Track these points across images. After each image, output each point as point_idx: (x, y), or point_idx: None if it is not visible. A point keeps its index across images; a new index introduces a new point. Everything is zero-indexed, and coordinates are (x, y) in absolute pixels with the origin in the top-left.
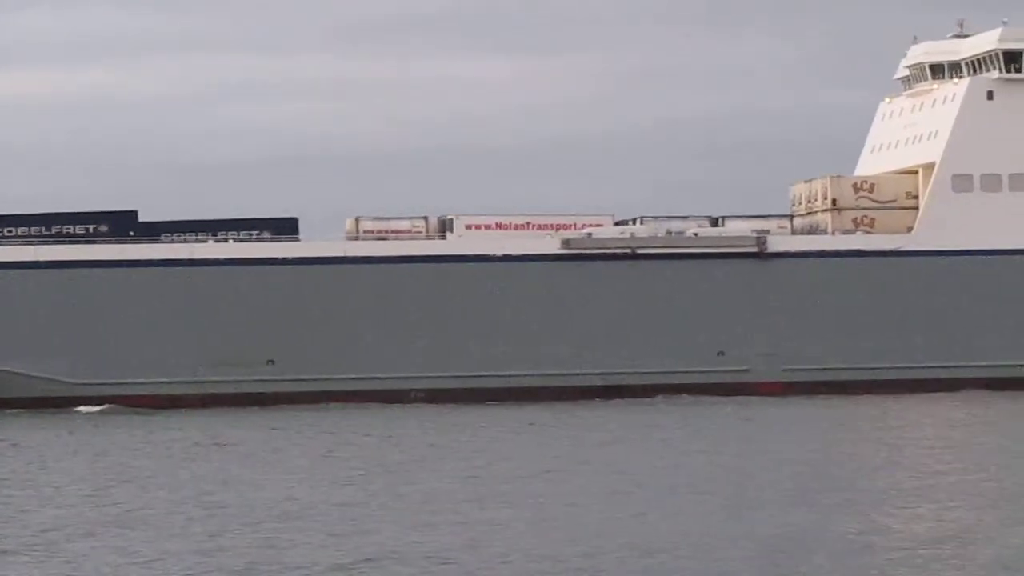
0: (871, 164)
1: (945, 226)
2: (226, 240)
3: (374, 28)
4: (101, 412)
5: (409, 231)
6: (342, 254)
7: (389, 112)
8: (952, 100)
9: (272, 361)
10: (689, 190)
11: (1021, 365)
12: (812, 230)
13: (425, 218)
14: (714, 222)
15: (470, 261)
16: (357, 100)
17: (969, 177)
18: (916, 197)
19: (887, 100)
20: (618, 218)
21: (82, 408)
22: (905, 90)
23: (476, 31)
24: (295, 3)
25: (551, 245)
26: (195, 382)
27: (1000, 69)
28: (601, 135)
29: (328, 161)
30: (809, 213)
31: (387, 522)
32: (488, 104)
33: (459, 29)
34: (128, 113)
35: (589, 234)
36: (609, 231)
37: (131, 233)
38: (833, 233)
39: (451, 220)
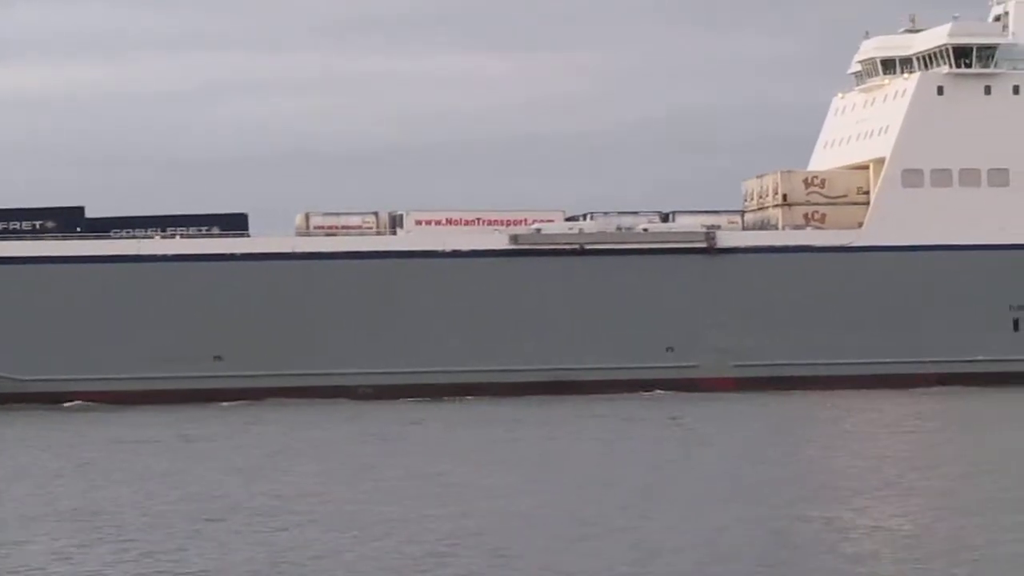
0: (824, 159)
1: (895, 221)
2: (173, 236)
3: (343, 24)
4: (64, 409)
5: (359, 227)
6: (290, 250)
7: (351, 109)
8: (902, 95)
9: (220, 357)
10: (654, 186)
11: (972, 360)
12: (763, 226)
13: (375, 214)
14: (664, 218)
15: (418, 257)
16: (326, 97)
17: (919, 172)
18: (867, 192)
19: (840, 95)
20: (569, 214)
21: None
22: (857, 85)
23: (446, 30)
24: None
25: (499, 241)
26: (143, 378)
27: (950, 64)
28: (571, 133)
29: (286, 157)
30: (760, 209)
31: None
32: (477, 99)
33: (417, 28)
34: (93, 107)
35: (538, 230)
36: (557, 227)
37: (78, 229)
38: (783, 228)
39: (401, 216)
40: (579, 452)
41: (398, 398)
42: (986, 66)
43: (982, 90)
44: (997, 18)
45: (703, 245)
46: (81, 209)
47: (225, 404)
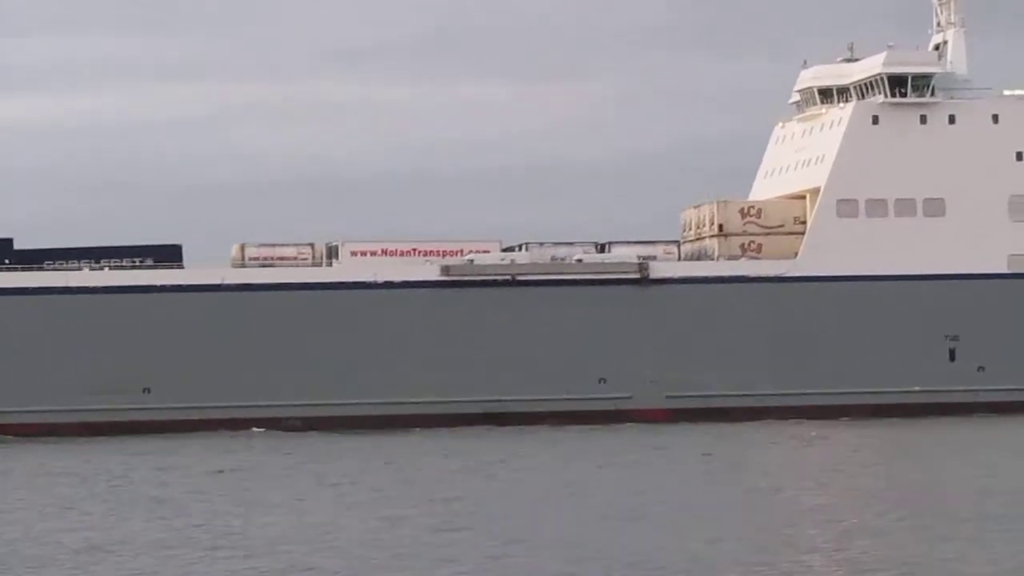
0: (763, 189)
1: (829, 251)
2: (102, 268)
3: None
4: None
5: (295, 258)
6: (218, 281)
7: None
8: (838, 125)
9: (148, 389)
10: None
11: (906, 391)
12: (700, 256)
13: (311, 245)
14: (600, 248)
15: (351, 288)
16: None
17: (854, 202)
18: (804, 222)
19: (780, 124)
20: (506, 244)
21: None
22: (797, 114)
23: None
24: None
25: (431, 272)
26: (72, 410)
27: (885, 93)
28: (519, 166)
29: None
30: (698, 239)
31: None
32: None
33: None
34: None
35: (471, 261)
36: (489, 258)
37: (6, 261)
38: (718, 259)
39: (337, 247)
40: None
41: (327, 430)
42: (922, 95)
43: (918, 119)
44: (936, 47)
45: (636, 276)
46: (10, 241)
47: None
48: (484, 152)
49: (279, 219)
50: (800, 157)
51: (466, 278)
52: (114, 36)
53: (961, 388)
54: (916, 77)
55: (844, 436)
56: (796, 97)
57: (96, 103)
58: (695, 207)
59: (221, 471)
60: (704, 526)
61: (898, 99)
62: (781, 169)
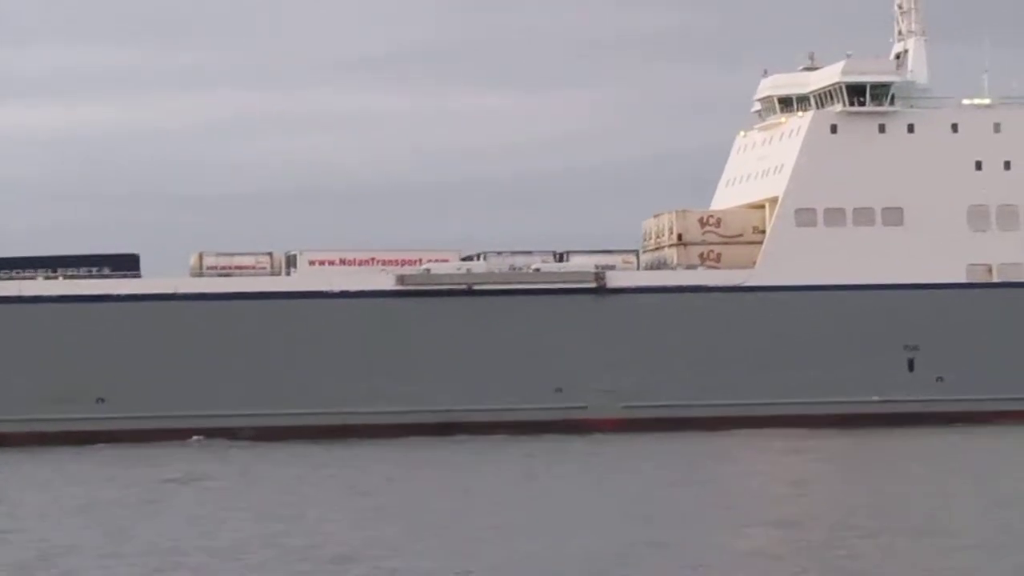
0: (725, 198)
1: (788, 261)
2: (56, 278)
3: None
4: None
5: (253, 267)
6: (172, 290)
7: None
8: (797, 134)
9: (102, 399)
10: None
11: (865, 401)
12: (659, 265)
13: (270, 254)
14: (559, 257)
15: (307, 297)
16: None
17: (812, 211)
18: (763, 232)
19: (742, 133)
20: (465, 254)
21: None
22: (758, 123)
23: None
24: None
25: (386, 281)
26: (24, 420)
27: (844, 102)
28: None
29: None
30: (657, 248)
31: None
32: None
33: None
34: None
35: (427, 270)
36: (445, 267)
37: None
38: (677, 268)
39: (295, 256)
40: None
41: (280, 440)
42: (880, 104)
43: (876, 128)
44: (897, 56)
45: (592, 285)
46: None
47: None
48: (470, 161)
49: (262, 227)
50: (760, 166)
51: (422, 287)
52: (114, 46)
53: (920, 398)
54: (875, 86)
55: (800, 446)
56: (757, 106)
57: (76, 112)
58: (655, 216)
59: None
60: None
61: (856, 108)
62: (742, 178)
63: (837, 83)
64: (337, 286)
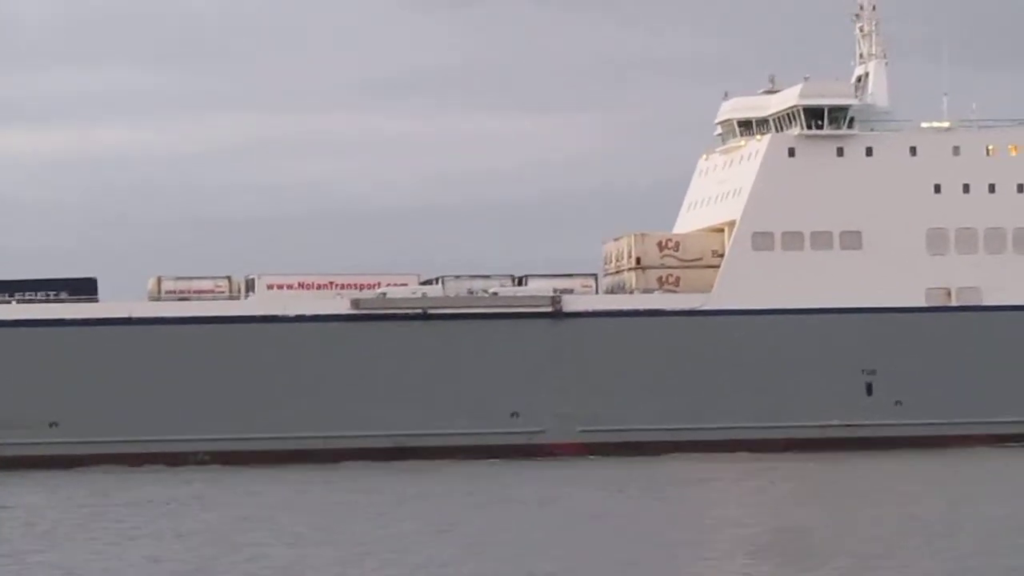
0: (686, 222)
1: (745, 285)
2: (9, 302)
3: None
4: None
5: (212, 291)
6: (127, 315)
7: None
8: (755, 157)
9: (55, 423)
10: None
11: (824, 426)
12: (618, 289)
13: (228, 278)
14: (517, 281)
15: (263, 322)
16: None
17: (770, 235)
18: (722, 255)
19: (704, 157)
20: (424, 278)
21: None
22: (719, 146)
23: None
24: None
25: (341, 305)
26: None
27: (801, 125)
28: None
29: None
30: (617, 272)
31: None
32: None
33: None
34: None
35: (383, 294)
36: (400, 291)
37: None
38: (634, 292)
39: (253, 280)
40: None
41: (237, 464)
42: (838, 127)
43: (834, 151)
44: (859, 79)
45: (548, 309)
46: None
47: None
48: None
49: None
50: (720, 190)
51: (376, 311)
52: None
53: (879, 422)
54: (832, 109)
55: (756, 470)
56: (718, 129)
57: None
58: (615, 240)
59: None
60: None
61: (814, 131)
62: (703, 202)
63: (794, 106)
64: (292, 310)
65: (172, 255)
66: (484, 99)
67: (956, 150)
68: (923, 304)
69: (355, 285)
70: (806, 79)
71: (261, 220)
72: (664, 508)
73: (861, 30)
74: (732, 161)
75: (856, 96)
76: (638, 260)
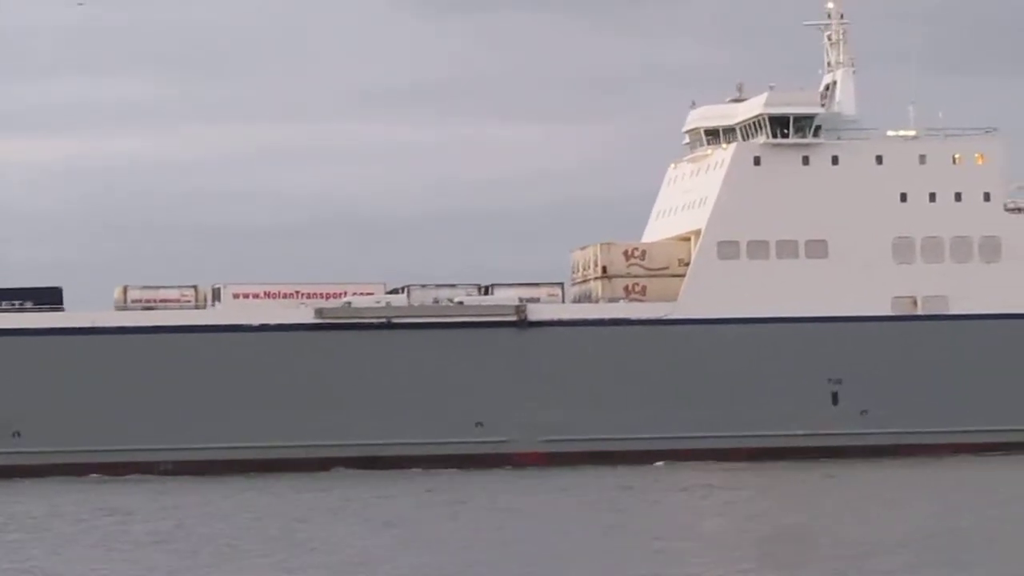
0: (655, 230)
1: (710, 294)
2: None
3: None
4: None
5: (178, 300)
6: (89, 324)
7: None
8: (721, 166)
9: (18, 433)
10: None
11: (789, 435)
12: (584, 298)
13: (195, 287)
14: (484, 290)
15: (227, 331)
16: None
17: (735, 244)
18: (688, 265)
19: (672, 166)
20: (391, 287)
21: None
22: (688, 155)
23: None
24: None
25: (305, 315)
26: None
27: (767, 134)
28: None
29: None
30: (584, 281)
31: None
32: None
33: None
34: None
35: (348, 303)
36: (364, 300)
37: None
38: (597, 302)
39: (219, 289)
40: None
41: (200, 474)
42: (804, 136)
43: (800, 160)
44: (827, 87)
45: (513, 318)
46: None
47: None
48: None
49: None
50: (687, 199)
51: (340, 320)
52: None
53: (844, 431)
54: (798, 118)
55: (719, 480)
56: (686, 138)
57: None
58: (582, 248)
59: None
60: None
61: (780, 140)
62: (671, 210)
63: (760, 115)
64: (256, 320)
65: (169, 263)
66: (486, 108)
67: (922, 159)
68: (889, 313)
69: (321, 294)
70: (771, 88)
71: (258, 229)
72: (615, 516)
73: (829, 38)
74: (699, 170)
75: (822, 105)
76: (604, 269)
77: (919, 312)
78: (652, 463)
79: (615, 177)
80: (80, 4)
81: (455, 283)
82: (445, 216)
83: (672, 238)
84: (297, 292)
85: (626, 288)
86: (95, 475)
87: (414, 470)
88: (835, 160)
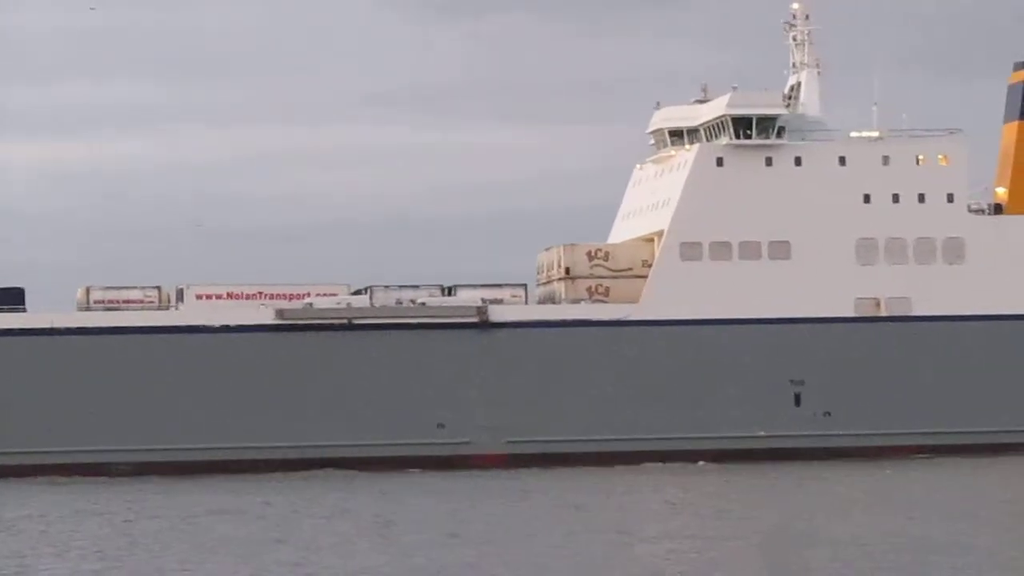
0: (620, 232)
1: (673, 295)
2: None
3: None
4: None
5: (141, 301)
6: (47, 325)
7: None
8: (684, 167)
9: None
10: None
11: (752, 437)
12: (548, 299)
13: (158, 288)
14: (447, 291)
15: (189, 332)
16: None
17: (698, 245)
18: (652, 266)
19: (638, 167)
20: (356, 287)
21: None
22: (653, 156)
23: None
24: None
25: (265, 315)
26: None
27: (730, 135)
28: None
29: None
30: (548, 282)
31: None
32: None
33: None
34: None
35: (310, 304)
36: (326, 301)
37: None
38: (561, 303)
39: (182, 290)
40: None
41: (156, 475)
42: (767, 137)
43: (763, 161)
44: (792, 89)
45: (475, 320)
46: None
47: None
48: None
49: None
50: (651, 200)
51: (300, 322)
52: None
53: (807, 433)
54: (761, 119)
55: (679, 481)
56: (651, 139)
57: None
58: (547, 250)
59: None
60: None
61: (743, 141)
62: (635, 212)
63: (723, 116)
64: (218, 320)
65: (141, 265)
66: (485, 111)
67: (886, 160)
68: (852, 314)
69: (283, 295)
70: (734, 89)
71: (259, 230)
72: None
73: (794, 39)
74: (663, 171)
75: (787, 106)
76: (567, 270)
77: (882, 313)
78: (612, 465)
79: (611, 180)
80: (92, 9)
81: (418, 284)
82: (444, 218)
83: (636, 239)
84: (260, 293)
85: (589, 289)
86: (50, 477)
87: (375, 473)
88: (798, 161)
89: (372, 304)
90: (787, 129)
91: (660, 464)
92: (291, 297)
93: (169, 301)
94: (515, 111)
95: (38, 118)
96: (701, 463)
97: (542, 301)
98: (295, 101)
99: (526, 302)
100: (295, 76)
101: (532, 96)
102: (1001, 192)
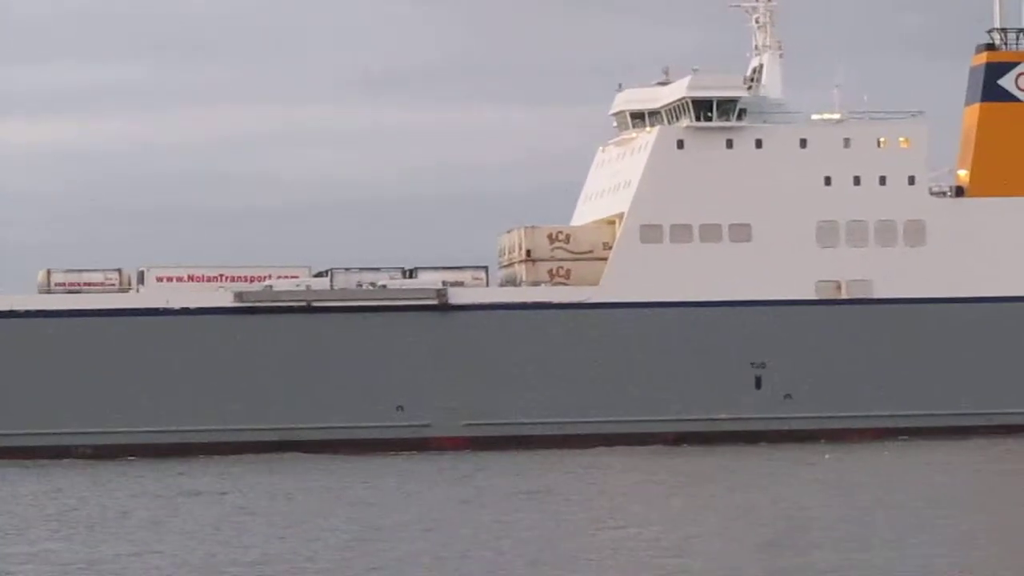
0: (582, 214)
1: (633, 278)
2: None
3: None
4: None
5: (102, 284)
6: (9, 308)
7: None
8: (644, 149)
9: None
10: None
11: (712, 419)
12: (509, 282)
13: (119, 270)
14: (407, 274)
15: (148, 315)
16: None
17: (658, 227)
18: (612, 248)
19: (601, 148)
20: (316, 270)
21: None
22: (615, 138)
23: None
24: None
25: (224, 298)
26: None
27: (691, 118)
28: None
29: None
30: (509, 264)
31: None
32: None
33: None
34: None
35: (269, 287)
36: (285, 284)
37: None
38: (520, 285)
39: (143, 272)
40: None
41: (117, 458)
42: (728, 119)
43: (723, 144)
44: (754, 71)
45: (434, 302)
46: None
47: None
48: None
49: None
50: (612, 182)
51: (259, 304)
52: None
53: (768, 416)
54: (721, 101)
55: (639, 464)
56: (614, 121)
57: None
58: (508, 232)
59: None
60: None
61: (703, 123)
62: (597, 194)
63: (683, 98)
64: (177, 303)
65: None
66: (478, 91)
67: (847, 142)
68: (813, 297)
69: (244, 278)
70: (695, 71)
71: (252, 210)
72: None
73: (756, 21)
74: (624, 153)
75: (748, 88)
76: (528, 252)
77: (843, 296)
78: (573, 448)
79: (576, 162)
80: None
81: (379, 267)
82: (409, 200)
83: (597, 221)
84: (221, 275)
85: (550, 272)
86: (30, 459)
87: (333, 456)
88: (759, 144)
89: (332, 287)
90: (748, 111)
91: (621, 447)
92: (252, 279)
93: (130, 283)
94: (478, 93)
95: (11, 98)
96: (661, 445)
97: (503, 284)
98: (262, 82)
99: (487, 285)
100: (262, 57)
101: (495, 78)
102: (963, 175)
